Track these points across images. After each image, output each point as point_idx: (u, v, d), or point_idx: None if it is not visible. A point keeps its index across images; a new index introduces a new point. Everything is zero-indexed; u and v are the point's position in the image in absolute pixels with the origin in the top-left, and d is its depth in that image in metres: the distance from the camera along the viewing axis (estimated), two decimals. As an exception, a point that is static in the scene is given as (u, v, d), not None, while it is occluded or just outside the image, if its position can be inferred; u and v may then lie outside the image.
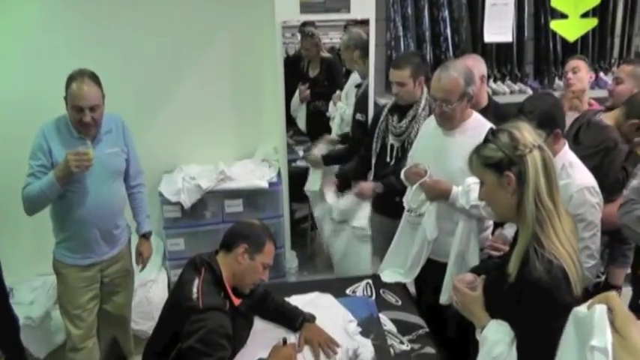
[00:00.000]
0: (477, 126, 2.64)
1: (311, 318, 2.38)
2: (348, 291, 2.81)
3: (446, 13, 3.62)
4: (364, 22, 3.46)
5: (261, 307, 2.42)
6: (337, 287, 2.79)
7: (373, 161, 3.29)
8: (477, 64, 3.07)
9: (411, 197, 2.76)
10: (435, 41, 3.66)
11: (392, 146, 3.18)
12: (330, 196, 3.54)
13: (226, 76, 3.46)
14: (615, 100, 2.95)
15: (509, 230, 2.67)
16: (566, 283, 1.60)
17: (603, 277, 2.80)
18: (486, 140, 1.75)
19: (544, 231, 1.64)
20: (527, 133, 1.70)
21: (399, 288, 2.83)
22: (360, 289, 2.84)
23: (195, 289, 2.07)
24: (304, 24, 3.54)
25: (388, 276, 2.91)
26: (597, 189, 2.25)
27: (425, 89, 3.13)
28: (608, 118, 2.77)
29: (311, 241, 4.54)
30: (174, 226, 3.35)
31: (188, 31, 3.35)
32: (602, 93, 3.43)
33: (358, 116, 3.68)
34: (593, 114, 2.91)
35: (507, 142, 1.69)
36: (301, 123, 4.64)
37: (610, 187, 2.47)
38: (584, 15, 3.48)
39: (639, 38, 3.86)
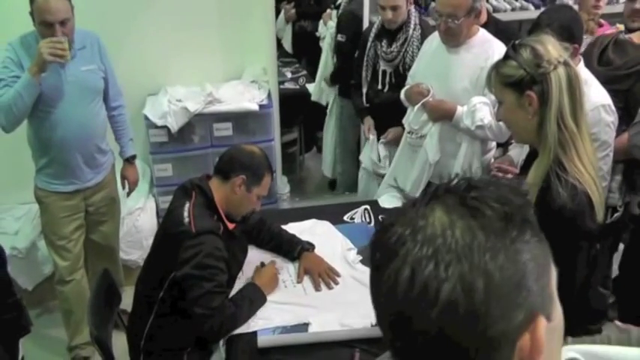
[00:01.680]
0: (483, 42, 2.51)
1: (310, 247, 2.31)
2: (345, 217, 2.72)
3: None
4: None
5: (257, 237, 2.34)
6: (334, 214, 2.70)
7: (364, 90, 3.15)
8: None
9: (413, 118, 2.65)
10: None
11: (384, 72, 3.04)
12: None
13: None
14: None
15: (514, 151, 2.58)
16: (590, 209, 1.53)
17: (621, 210, 2.72)
18: (507, 56, 1.62)
19: (567, 154, 1.55)
20: (551, 47, 1.58)
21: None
22: (358, 215, 2.75)
23: (186, 214, 1.97)
24: None
25: (386, 201, 2.82)
26: (613, 107, 2.14)
27: (413, 8, 2.97)
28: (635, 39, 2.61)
29: (300, 165, 4.46)
30: (160, 151, 3.21)
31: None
32: (615, 8, 3.25)
33: (339, 37, 3.53)
34: (617, 33, 2.75)
35: (530, 58, 1.56)
36: (287, 44, 4.47)
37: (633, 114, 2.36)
38: None
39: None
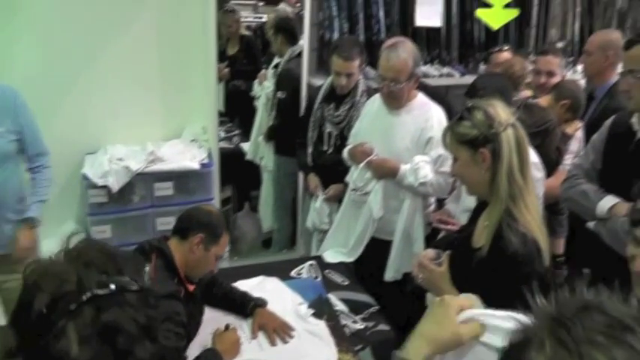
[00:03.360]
0: (423, 105, 2.71)
1: (262, 303, 2.31)
2: (292, 273, 2.75)
3: (380, -4, 3.64)
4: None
5: (209, 295, 2.31)
6: (281, 270, 2.73)
7: (309, 150, 3.25)
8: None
9: (357, 176, 2.77)
10: (368, 23, 3.67)
11: (329, 134, 3.14)
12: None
13: (152, 51, 3.23)
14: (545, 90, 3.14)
15: (451, 205, 2.75)
16: (539, 255, 1.66)
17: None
18: (461, 117, 1.77)
19: (516, 205, 1.69)
20: (501, 110, 1.74)
21: (343, 268, 2.82)
22: (304, 270, 2.79)
23: (146, 278, 1.92)
24: (223, 1, 3.44)
25: (331, 256, 2.89)
26: (540, 166, 2.36)
27: (362, 75, 3.12)
28: (541, 103, 2.93)
29: (233, 224, 4.44)
30: (100, 212, 3.09)
31: (114, 3, 3.08)
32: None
33: (279, 94, 3.64)
34: (526, 98, 3.09)
35: (483, 119, 1.71)
36: (220, 103, 4.52)
37: (547, 166, 2.60)
38: (507, 5, 3.67)
39: (554, 29, 4.12)
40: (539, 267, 1.66)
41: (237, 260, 3.65)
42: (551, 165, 2.65)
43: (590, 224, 2.21)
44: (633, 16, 4.51)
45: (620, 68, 2.62)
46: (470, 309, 1.11)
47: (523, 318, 0.78)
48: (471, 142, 1.73)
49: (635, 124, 2.17)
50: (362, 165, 2.72)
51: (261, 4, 4.15)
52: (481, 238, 1.78)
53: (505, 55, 3.52)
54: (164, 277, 1.96)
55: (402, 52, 2.60)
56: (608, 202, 2.13)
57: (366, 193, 2.76)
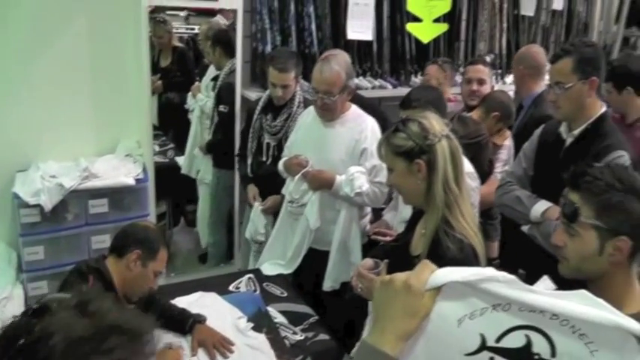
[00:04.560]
0: (357, 117, 2.76)
1: (201, 319, 2.29)
2: (231, 287, 2.74)
3: (311, 9, 3.68)
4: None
5: (147, 313, 2.26)
6: (219, 284, 2.71)
7: (249, 161, 3.25)
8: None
9: (293, 188, 2.79)
10: (300, 36, 3.71)
11: (268, 145, 3.16)
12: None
13: (83, 64, 3.14)
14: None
15: (388, 216, 2.82)
16: (475, 260, 1.73)
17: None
18: (397, 129, 1.82)
19: (452, 213, 1.75)
20: (435, 122, 1.80)
21: (281, 280, 2.83)
22: (242, 284, 2.78)
23: None
24: (154, 11, 3.40)
25: (269, 269, 2.90)
26: (475, 175, 2.46)
27: (298, 86, 3.16)
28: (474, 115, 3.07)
29: (169, 239, 4.36)
30: (32, 232, 2.94)
31: (42, 15, 2.99)
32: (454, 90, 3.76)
33: (221, 107, 3.63)
34: (460, 110, 3.24)
35: (418, 131, 1.77)
36: (153, 116, 4.44)
37: (479, 177, 2.71)
38: (437, 20, 3.80)
39: (482, 43, 4.31)
40: None
41: (175, 277, 3.59)
42: (484, 176, 2.76)
43: (525, 228, 2.33)
44: (556, 31, 4.79)
45: (546, 79, 2.78)
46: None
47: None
48: (407, 153, 1.78)
49: (564, 133, 2.31)
50: (297, 177, 2.75)
51: (192, 15, 4.12)
52: (419, 245, 1.84)
53: (435, 67, 3.63)
54: (102, 299, 1.91)
55: (335, 64, 2.65)
56: (541, 206, 2.25)
57: (302, 204, 2.79)
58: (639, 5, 5.35)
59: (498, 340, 0.94)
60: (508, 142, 3.05)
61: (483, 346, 0.95)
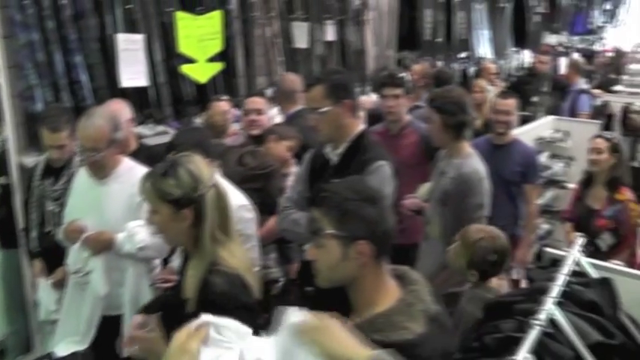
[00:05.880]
0: (130, 170, 2.66)
1: None
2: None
3: (79, 59, 3.49)
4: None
5: None
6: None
7: (34, 234, 2.98)
8: (122, 108, 3.07)
9: (74, 257, 2.59)
10: (72, 89, 3.49)
11: (52, 213, 2.93)
12: None
13: None
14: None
15: (177, 262, 2.72)
16: (245, 289, 1.75)
17: (283, 280, 3.14)
18: (165, 173, 1.76)
19: (220, 256, 1.76)
20: (204, 168, 1.80)
21: (79, 357, 2.63)
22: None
23: None
24: None
25: (62, 349, 2.64)
26: (250, 207, 2.49)
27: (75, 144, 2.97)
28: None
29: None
30: None
31: None
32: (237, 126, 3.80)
33: (1, 180, 3.31)
34: (244, 141, 3.34)
35: (189, 180, 1.74)
36: None
37: (271, 207, 2.82)
38: (212, 59, 3.82)
39: (261, 77, 4.43)
40: (247, 299, 1.74)
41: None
42: (275, 206, 2.81)
43: (306, 247, 2.39)
44: (333, 60, 5.09)
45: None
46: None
47: None
48: (175, 201, 1.74)
49: (329, 153, 2.45)
50: (77, 245, 2.56)
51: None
52: (190, 288, 1.80)
53: (222, 104, 3.66)
54: None
55: (98, 119, 2.54)
56: None
57: (87, 273, 2.59)
58: (404, 32, 6.01)
59: None
60: (294, 169, 3.14)
61: None
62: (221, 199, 1.79)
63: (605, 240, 3.34)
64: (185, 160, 1.79)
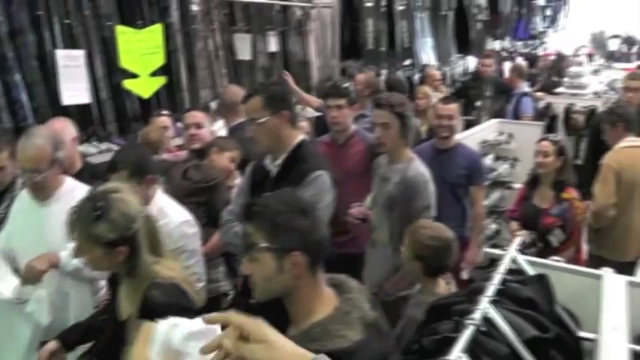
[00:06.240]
0: (72, 190, 2.59)
1: None
2: None
3: (18, 77, 3.40)
4: None
5: None
6: None
7: None
8: (65, 127, 3.00)
9: (19, 287, 2.48)
10: (12, 109, 3.42)
11: None
12: None
13: None
14: None
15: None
16: (184, 295, 1.81)
17: (233, 293, 3.12)
18: (98, 217, 1.74)
19: (159, 276, 1.81)
20: (133, 200, 1.81)
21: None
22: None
23: None
24: None
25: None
26: (193, 222, 2.47)
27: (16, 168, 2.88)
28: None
29: None
30: None
31: None
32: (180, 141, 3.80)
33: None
34: (187, 155, 3.32)
35: (121, 221, 1.75)
36: None
37: (217, 220, 2.78)
38: (154, 74, 3.79)
39: (205, 91, 4.41)
40: (188, 304, 1.78)
41: None
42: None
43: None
44: (276, 71, 5.11)
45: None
46: None
47: None
48: (108, 244, 1.75)
49: (268, 165, 2.47)
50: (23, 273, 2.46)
51: None
52: (126, 308, 1.84)
53: (162, 120, 3.64)
54: None
55: (38, 139, 2.47)
56: None
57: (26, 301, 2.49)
58: (347, 41, 6.11)
59: None
60: (238, 181, 3.13)
61: None
62: (151, 226, 1.84)
63: (558, 236, 3.44)
64: (114, 198, 1.78)
